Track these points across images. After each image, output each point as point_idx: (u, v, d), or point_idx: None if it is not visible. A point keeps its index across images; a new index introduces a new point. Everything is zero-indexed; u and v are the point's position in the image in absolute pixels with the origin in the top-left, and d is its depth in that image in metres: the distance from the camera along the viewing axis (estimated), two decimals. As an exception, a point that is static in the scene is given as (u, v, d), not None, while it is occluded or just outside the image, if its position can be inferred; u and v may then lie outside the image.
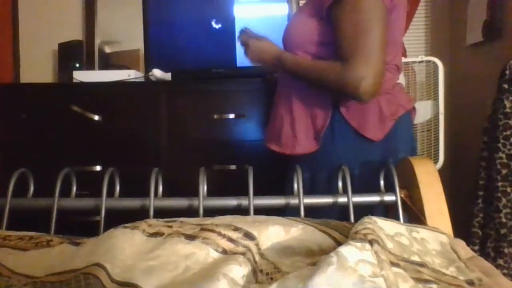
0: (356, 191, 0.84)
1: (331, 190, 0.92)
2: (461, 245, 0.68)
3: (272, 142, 1.17)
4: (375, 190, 0.85)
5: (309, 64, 1.04)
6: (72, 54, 1.95)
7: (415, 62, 1.81)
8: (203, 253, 0.59)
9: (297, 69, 1.07)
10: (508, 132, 1.45)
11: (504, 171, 1.46)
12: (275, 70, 1.13)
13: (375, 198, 0.84)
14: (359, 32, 0.93)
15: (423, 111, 1.78)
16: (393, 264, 0.52)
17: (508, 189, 1.45)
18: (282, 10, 1.83)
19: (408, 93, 1.81)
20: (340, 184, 0.87)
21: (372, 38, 0.92)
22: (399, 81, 1.14)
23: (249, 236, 0.62)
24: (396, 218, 0.76)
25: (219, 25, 1.82)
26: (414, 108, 1.16)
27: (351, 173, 0.87)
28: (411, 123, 1.15)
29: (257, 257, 0.59)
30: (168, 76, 1.72)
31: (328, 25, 1.00)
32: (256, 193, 0.81)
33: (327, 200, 0.84)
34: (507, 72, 1.46)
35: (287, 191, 0.99)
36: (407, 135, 1.11)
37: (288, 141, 1.12)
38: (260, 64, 1.17)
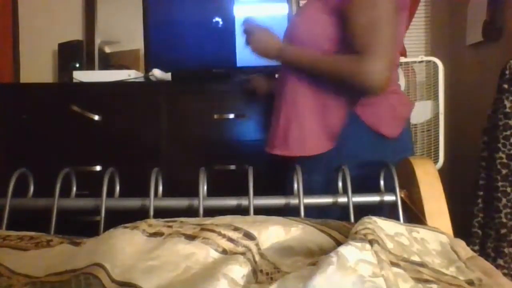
0: (372, 189, 0.84)
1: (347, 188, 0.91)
2: (461, 245, 0.67)
3: (275, 147, 1.13)
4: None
5: (317, 56, 1.04)
6: (72, 54, 1.95)
7: (415, 62, 1.81)
8: (203, 253, 0.59)
9: (301, 61, 1.06)
10: (508, 132, 1.45)
11: (504, 171, 1.46)
12: (276, 62, 1.12)
13: (375, 198, 0.84)
14: (374, 27, 0.96)
15: (423, 111, 1.78)
16: (393, 264, 0.52)
17: (508, 189, 1.45)
18: (282, 10, 1.83)
19: (408, 93, 1.81)
20: (339, 184, 0.87)
21: (385, 33, 0.95)
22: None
23: (249, 236, 0.62)
24: (396, 218, 0.76)
25: (219, 25, 1.82)
26: None
27: (367, 172, 0.88)
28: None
29: (257, 257, 0.59)
30: (168, 76, 1.72)
31: (340, 20, 1.00)
32: (256, 193, 0.81)
33: (327, 200, 0.84)
34: (507, 72, 1.46)
35: (287, 192, 0.99)
36: (411, 134, 1.16)
37: (296, 143, 1.09)
38: (261, 55, 1.14)
